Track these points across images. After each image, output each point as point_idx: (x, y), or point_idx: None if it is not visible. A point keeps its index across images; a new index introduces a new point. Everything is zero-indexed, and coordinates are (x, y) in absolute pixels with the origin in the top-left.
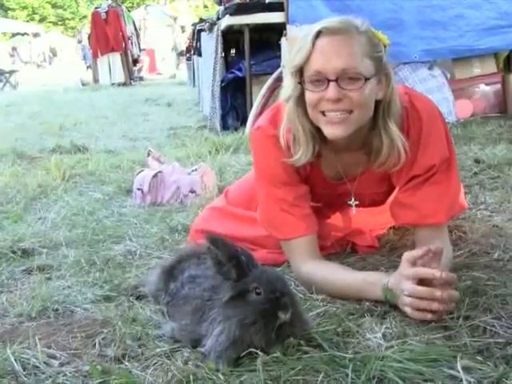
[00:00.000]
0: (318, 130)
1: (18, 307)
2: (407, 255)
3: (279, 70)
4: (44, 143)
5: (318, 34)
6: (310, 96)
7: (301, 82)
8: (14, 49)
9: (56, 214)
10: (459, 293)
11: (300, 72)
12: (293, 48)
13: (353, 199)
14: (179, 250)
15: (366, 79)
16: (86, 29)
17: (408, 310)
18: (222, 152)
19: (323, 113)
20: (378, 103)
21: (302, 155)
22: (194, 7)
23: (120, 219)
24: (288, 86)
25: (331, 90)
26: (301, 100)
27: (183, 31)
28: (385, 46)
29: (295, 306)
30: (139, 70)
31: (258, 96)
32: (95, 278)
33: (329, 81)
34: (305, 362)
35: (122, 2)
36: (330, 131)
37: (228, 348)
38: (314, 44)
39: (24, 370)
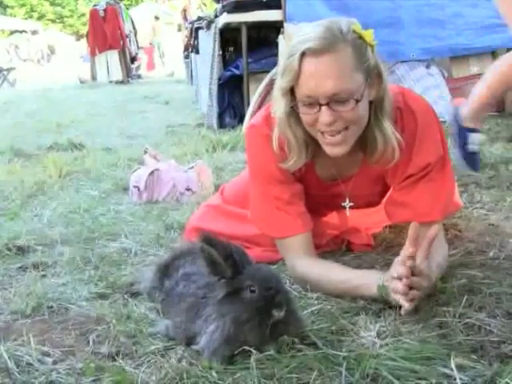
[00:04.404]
0: (311, 137)
1: (12, 304)
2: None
3: (276, 67)
4: (41, 141)
5: (303, 55)
6: (304, 118)
7: (293, 106)
8: (12, 46)
9: (52, 211)
10: (455, 291)
11: (291, 91)
12: (279, 67)
13: (347, 201)
14: (174, 248)
15: (357, 101)
16: None
17: (395, 293)
18: (219, 150)
19: (321, 132)
20: (370, 102)
21: (294, 163)
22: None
23: (116, 217)
24: (279, 107)
25: (324, 115)
26: (292, 110)
27: (179, 30)
28: (372, 47)
29: (290, 303)
30: (137, 68)
31: (256, 94)
32: (90, 276)
33: (320, 105)
34: (299, 360)
35: (121, 0)
36: (330, 151)
37: (222, 345)
38: (300, 66)
39: (17, 367)
